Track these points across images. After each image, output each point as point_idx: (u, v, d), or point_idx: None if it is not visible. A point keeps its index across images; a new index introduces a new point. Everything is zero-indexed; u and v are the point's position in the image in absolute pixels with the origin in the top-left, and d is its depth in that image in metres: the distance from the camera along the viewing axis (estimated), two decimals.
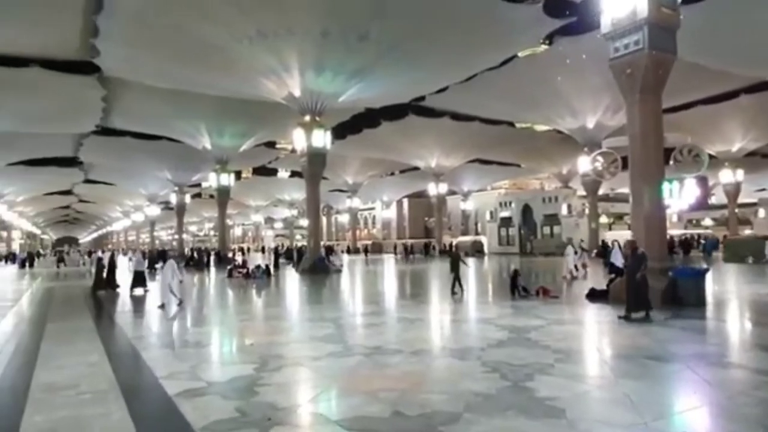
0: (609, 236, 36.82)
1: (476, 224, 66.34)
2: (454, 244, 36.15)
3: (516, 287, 15.17)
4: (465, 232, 62.16)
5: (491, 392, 5.99)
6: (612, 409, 5.48)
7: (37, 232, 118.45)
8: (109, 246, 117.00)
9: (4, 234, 75.47)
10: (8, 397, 6.39)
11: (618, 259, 22.25)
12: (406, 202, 75.98)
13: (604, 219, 49.97)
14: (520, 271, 16.64)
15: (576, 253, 22.50)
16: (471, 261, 37.79)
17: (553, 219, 46.97)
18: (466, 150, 47.63)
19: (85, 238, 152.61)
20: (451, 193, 59.91)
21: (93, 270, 20.77)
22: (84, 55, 25.46)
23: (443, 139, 44.50)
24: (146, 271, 20.51)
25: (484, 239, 52.02)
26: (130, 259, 45.23)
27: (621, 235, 37.38)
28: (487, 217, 54.20)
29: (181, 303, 14.60)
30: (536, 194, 52.76)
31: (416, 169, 53.62)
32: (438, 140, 44.80)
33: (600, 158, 23.63)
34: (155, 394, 6.30)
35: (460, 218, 65.73)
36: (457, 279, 16.21)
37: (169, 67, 26.81)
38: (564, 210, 46.11)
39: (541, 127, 45.04)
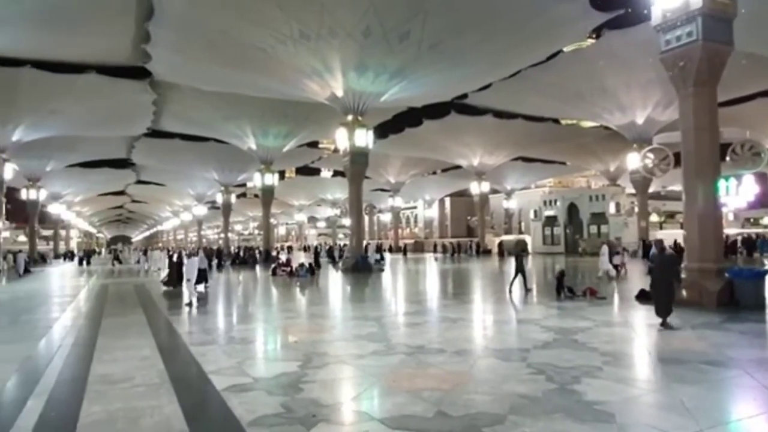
0: (660, 236, 35.64)
1: (520, 223, 65.33)
2: (517, 242, 35.63)
3: (562, 288, 14.84)
4: (508, 231, 61.32)
5: (537, 394, 5.88)
6: (665, 415, 5.28)
7: (93, 231, 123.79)
8: (159, 244, 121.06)
9: (63, 233, 79.28)
10: (68, 387, 6.69)
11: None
12: (448, 200, 75.55)
13: (654, 218, 48.32)
14: (566, 271, 16.27)
15: (618, 253, 21.86)
16: (514, 260, 37.27)
17: (600, 218, 45.71)
18: (510, 148, 46.94)
19: (137, 236, 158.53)
20: (494, 191, 59.18)
21: (164, 267, 21.58)
22: (136, 60, 26.47)
23: (486, 137, 44.00)
24: (207, 269, 21.26)
25: (528, 238, 51.15)
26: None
27: (672, 234, 36.14)
28: (531, 215, 53.24)
29: (190, 304, 14.64)
30: (582, 192, 51.47)
31: (458, 167, 53.22)
32: (480, 138, 44.32)
33: (650, 155, 22.86)
34: (204, 389, 6.48)
35: (503, 217, 64.88)
36: (524, 277, 16.22)
37: (215, 71, 27.53)
38: (612, 208, 44.81)
39: (587, 124, 43.99)
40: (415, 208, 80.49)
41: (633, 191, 41.18)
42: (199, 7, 21.57)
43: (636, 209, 40.12)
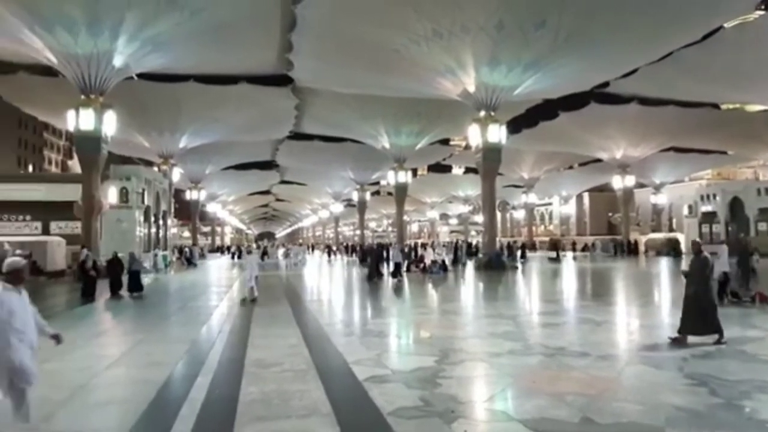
0: None
1: (670, 220, 59.69)
2: (667, 240, 32.11)
3: (724, 292, 13.26)
4: (656, 229, 56.28)
5: (698, 408, 5.32)
6: None
7: (243, 227, 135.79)
8: (300, 240, 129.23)
9: (219, 229, 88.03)
10: (229, 369, 7.40)
11: None
12: (586, 196, 71.34)
13: None
14: (729, 273, 14.50)
15: (752, 254, 18.87)
16: (664, 261, 34.17)
17: None
18: (659, 138, 43.02)
19: (280, 233, 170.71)
20: (640, 185, 54.61)
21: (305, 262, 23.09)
22: (280, 69, 28.65)
23: (630, 128, 40.78)
24: (401, 263, 22.55)
25: (680, 237, 46.54)
26: (329, 254, 49.69)
27: None
28: (685, 211, 48.38)
29: (254, 300, 14.64)
30: (749, 185, 45.66)
31: (599, 161, 50.00)
32: (624, 129, 41.19)
33: None
34: (346, 378, 6.78)
35: (650, 213, 59.71)
36: (746, 276, 14.01)
37: (352, 74, 28.77)
38: None
39: (754, 107, 38.88)
40: (550, 204, 77.13)
41: None
42: (338, 15, 22.68)
43: None
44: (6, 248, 24.68)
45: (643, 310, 13.03)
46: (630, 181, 47.71)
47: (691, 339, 8.30)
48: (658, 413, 5.15)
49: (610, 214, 66.19)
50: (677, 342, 8.33)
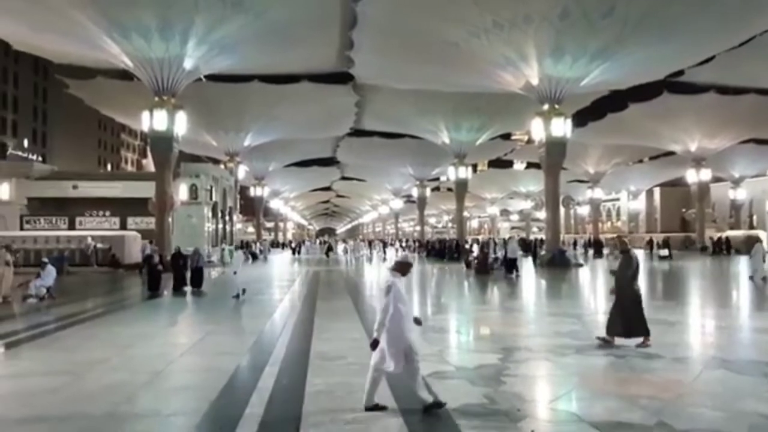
0: None
1: (750, 216, 56.05)
2: (747, 238, 29.89)
3: None
4: (734, 226, 52.97)
5: None
6: None
7: (305, 223, 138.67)
8: (360, 237, 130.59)
9: (281, 225, 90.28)
10: (295, 360, 7.59)
11: None
12: (657, 191, 68.00)
13: None
14: None
15: None
16: (744, 260, 32.08)
17: None
18: (738, 128, 40.39)
19: (341, 228, 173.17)
20: (716, 180, 51.47)
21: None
22: (341, 66, 29.00)
23: (706, 118, 38.48)
24: (518, 259, 22.35)
25: (762, 234, 43.55)
26: (398, 249, 49.80)
27: None
28: (767, 207, 45.24)
29: (238, 295, 14.19)
30: None
31: (671, 153, 47.50)
32: (700, 119, 38.91)
33: None
34: None
35: (728, 209, 56.26)
36: None
37: (412, 70, 28.73)
38: None
39: None
40: (617, 200, 74.14)
41: None
42: (397, 11, 22.72)
43: None
44: (90, 242, 26.46)
45: (722, 311, 12.31)
46: (706, 175, 44.99)
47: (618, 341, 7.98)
48: (741, 421, 4.87)
49: (683, 210, 62.90)
50: (606, 343, 8.00)
